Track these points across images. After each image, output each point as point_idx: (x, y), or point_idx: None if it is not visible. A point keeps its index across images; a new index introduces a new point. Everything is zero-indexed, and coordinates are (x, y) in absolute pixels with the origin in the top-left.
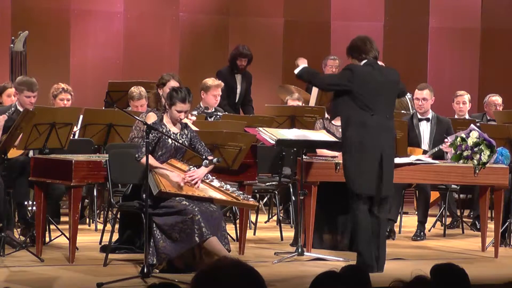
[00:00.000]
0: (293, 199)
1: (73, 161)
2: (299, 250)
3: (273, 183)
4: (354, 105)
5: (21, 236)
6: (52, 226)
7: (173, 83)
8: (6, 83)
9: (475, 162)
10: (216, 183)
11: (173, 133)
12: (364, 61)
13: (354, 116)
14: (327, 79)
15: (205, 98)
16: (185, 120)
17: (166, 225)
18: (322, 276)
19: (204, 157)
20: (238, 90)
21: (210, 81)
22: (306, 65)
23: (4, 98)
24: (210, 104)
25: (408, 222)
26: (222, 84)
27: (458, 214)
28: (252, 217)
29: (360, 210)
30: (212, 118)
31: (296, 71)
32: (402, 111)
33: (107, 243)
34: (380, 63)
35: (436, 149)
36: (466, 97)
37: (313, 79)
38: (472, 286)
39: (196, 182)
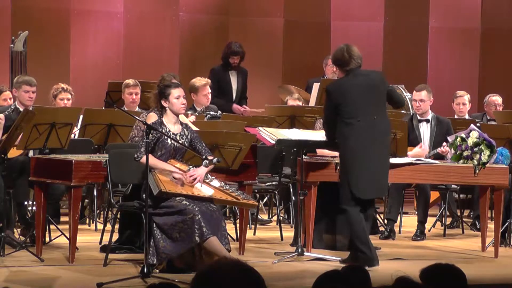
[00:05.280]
0: (293, 199)
1: (73, 161)
2: (299, 250)
3: (273, 183)
4: (341, 118)
5: (21, 236)
6: (52, 226)
7: None
8: (1, 87)
9: (475, 162)
10: (216, 183)
11: (173, 133)
12: (346, 72)
13: (344, 128)
14: (326, 116)
15: (197, 99)
16: (185, 120)
17: (166, 224)
18: (325, 276)
19: (204, 157)
20: (234, 87)
21: (197, 81)
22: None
23: (0, 102)
24: (203, 104)
25: (408, 222)
26: (210, 81)
27: (458, 214)
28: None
29: (355, 211)
30: (207, 118)
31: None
32: (402, 111)
33: (107, 243)
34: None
35: (436, 151)
36: (466, 97)
37: (325, 131)
38: (472, 286)
39: (196, 181)
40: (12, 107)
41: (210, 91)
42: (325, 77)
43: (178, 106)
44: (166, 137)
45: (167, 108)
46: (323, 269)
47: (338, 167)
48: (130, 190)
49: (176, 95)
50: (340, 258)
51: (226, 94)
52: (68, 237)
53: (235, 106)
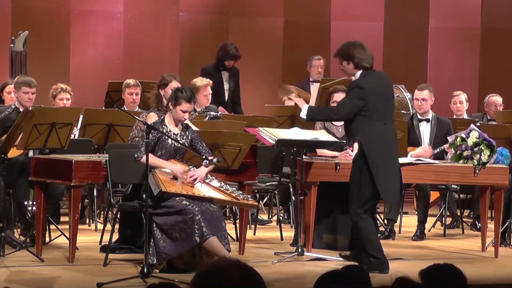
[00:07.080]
0: (293, 199)
1: (73, 161)
2: (299, 250)
3: (273, 183)
4: (368, 119)
5: (21, 236)
6: (52, 226)
7: (174, 84)
8: (7, 80)
9: (475, 162)
10: (215, 183)
11: (174, 133)
12: (362, 70)
13: (371, 130)
14: (344, 109)
15: (197, 99)
16: (186, 121)
17: (166, 224)
18: (325, 276)
19: (204, 157)
20: (226, 87)
21: (199, 81)
22: (306, 104)
23: (5, 94)
24: (203, 104)
25: (408, 222)
26: (211, 82)
27: (458, 214)
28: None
29: (367, 217)
30: (207, 118)
31: (304, 114)
32: (402, 111)
33: (107, 243)
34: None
35: (438, 150)
36: (463, 96)
37: (330, 116)
38: (472, 286)
39: (196, 181)
40: (13, 106)
41: (210, 91)
42: (309, 79)
43: (180, 117)
44: (166, 137)
45: (171, 110)
46: (323, 269)
47: (338, 167)
48: (130, 190)
49: (184, 109)
50: (341, 258)
51: (218, 95)
52: (68, 237)
53: (221, 109)
